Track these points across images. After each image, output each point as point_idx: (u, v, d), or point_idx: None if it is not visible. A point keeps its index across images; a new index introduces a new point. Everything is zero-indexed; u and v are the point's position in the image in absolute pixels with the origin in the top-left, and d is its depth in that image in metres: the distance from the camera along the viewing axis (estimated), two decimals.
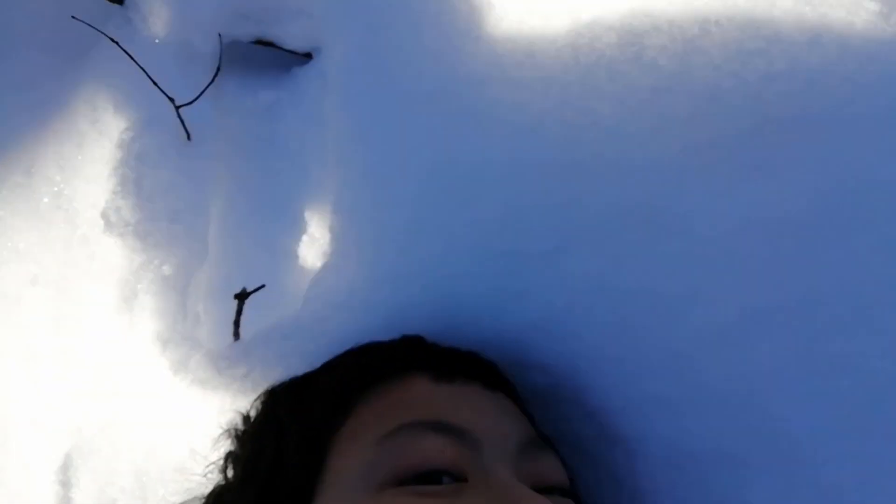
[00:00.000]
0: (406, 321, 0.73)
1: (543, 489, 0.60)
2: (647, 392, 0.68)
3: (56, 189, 0.87)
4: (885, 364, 0.59)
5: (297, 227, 0.86)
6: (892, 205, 0.62)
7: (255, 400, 0.69)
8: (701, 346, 0.66)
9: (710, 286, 0.67)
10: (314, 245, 0.85)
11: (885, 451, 0.58)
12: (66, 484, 0.87)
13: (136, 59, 0.85)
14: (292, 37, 0.99)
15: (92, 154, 0.85)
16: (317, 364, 0.71)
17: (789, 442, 0.61)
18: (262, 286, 0.74)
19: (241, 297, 0.72)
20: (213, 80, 0.89)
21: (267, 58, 1.00)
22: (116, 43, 0.87)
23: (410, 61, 0.77)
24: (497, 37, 0.76)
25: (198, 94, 0.87)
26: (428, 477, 0.56)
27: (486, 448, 0.59)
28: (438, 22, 0.79)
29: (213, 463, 0.68)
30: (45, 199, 0.87)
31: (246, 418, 0.68)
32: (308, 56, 0.99)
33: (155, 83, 0.85)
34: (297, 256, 0.85)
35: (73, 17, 0.90)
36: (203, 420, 0.77)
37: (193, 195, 0.83)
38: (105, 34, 0.89)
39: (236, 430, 0.68)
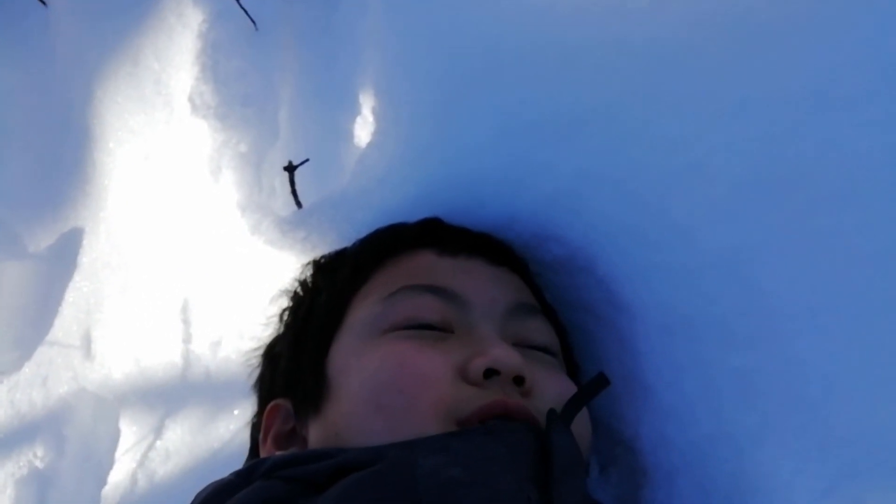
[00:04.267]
0: (435, 195, 0.81)
1: (526, 347, 0.68)
2: (651, 260, 0.72)
3: (155, 77, 0.99)
4: (864, 242, 0.60)
5: (353, 109, 0.94)
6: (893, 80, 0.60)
7: (305, 265, 0.81)
8: (699, 218, 0.69)
9: (709, 159, 0.69)
10: (366, 125, 0.93)
11: (853, 329, 0.60)
12: (186, 321, 1.06)
13: None
14: None
15: (179, 45, 0.97)
16: (364, 231, 0.81)
17: (769, 312, 0.64)
18: (306, 160, 0.83)
19: (289, 169, 0.82)
20: None
21: None
22: None
23: None
24: None
25: None
26: (420, 328, 0.66)
27: (474, 309, 0.67)
28: None
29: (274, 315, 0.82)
30: (149, 86, 1.00)
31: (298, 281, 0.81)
32: None
33: None
34: (353, 135, 0.94)
35: None
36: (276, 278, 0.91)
37: (263, 81, 0.93)
38: None
39: (288, 290, 0.81)
